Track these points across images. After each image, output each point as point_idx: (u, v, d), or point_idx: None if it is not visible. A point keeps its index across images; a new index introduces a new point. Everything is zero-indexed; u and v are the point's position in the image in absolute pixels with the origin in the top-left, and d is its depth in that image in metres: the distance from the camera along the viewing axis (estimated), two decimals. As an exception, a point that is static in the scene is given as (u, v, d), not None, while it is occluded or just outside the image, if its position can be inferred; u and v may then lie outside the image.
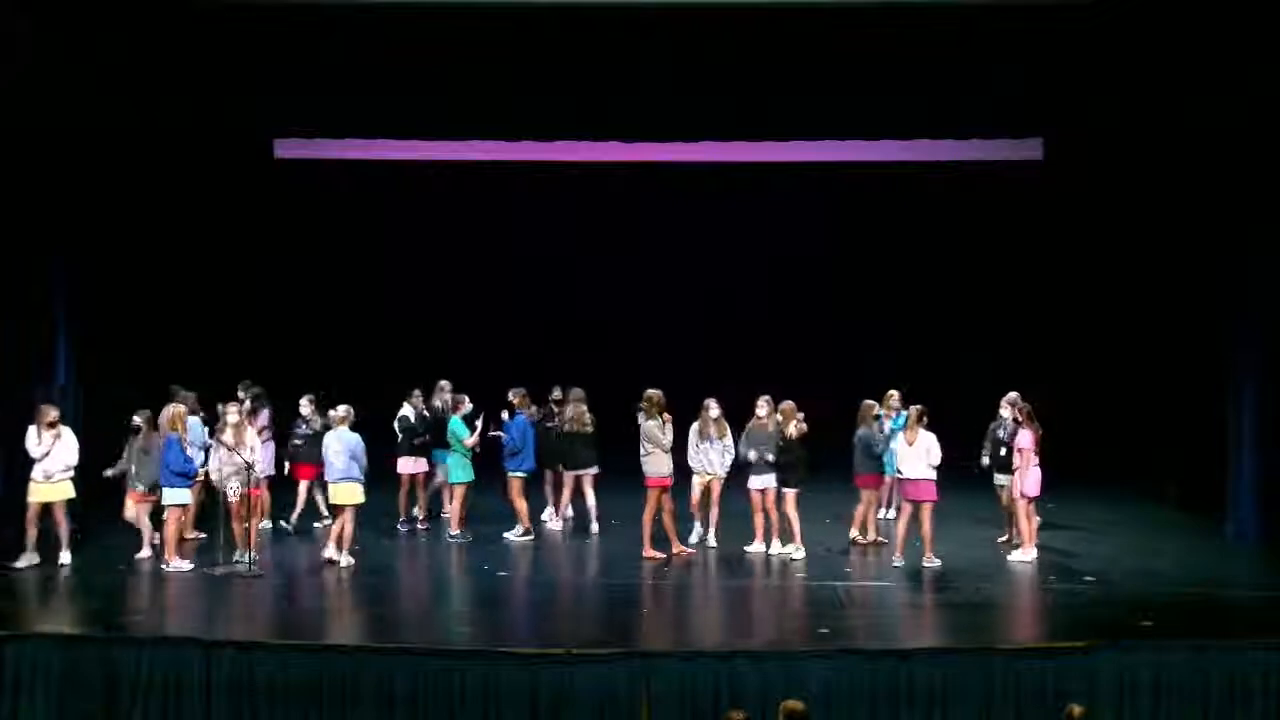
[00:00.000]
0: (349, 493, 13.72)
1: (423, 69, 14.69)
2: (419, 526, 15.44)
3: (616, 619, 12.24)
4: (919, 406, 13.72)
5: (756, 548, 14.24)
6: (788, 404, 14.14)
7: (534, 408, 15.40)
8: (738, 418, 14.41)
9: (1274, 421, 14.54)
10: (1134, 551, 14.35)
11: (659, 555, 14.00)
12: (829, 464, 14.83)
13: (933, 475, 13.54)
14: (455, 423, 14.91)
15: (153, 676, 10.66)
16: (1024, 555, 13.85)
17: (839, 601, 12.56)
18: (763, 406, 14.17)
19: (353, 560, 13.74)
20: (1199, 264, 16.03)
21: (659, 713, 10.39)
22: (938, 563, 13.53)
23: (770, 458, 14.01)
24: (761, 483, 14.11)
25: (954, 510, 15.29)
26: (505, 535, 14.91)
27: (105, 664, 10.72)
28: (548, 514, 15.81)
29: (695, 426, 14.31)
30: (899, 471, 14.00)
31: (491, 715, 10.47)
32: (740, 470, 14.33)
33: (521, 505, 14.85)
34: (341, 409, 13.96)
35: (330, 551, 13.71)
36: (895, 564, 13.61)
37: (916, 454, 13.51)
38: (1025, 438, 13.79)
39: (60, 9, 14.17)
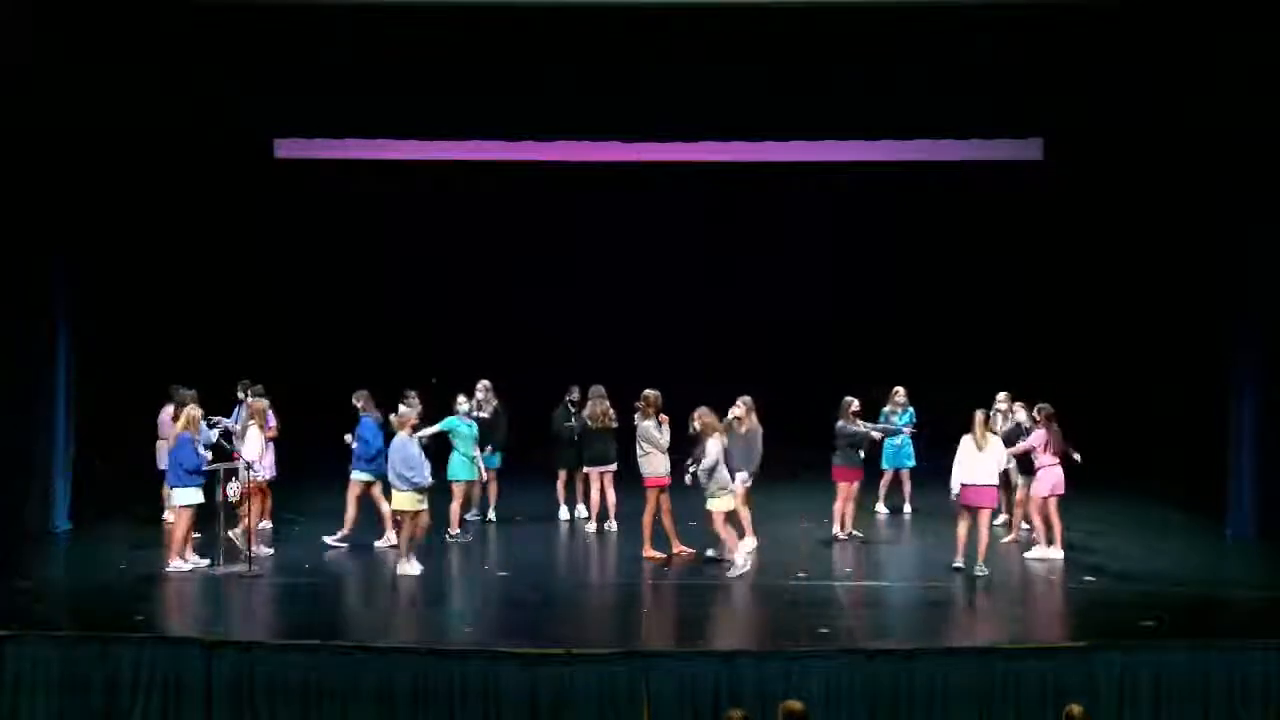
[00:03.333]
0: (396, 500, 13.48)
1: (422, 69, 14.68)
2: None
3: (616, 619, 12.25)
4: (985, 411, 13.65)
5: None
6: (746, 399, 14.19)
7: (376, 411, 14.61)
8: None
9: (1274, 421, 14.55)
10: (1134, 551, 14.36)
11: (659, 555, 14.00)
12: (824, 463, 14.87)
13: (995, 482, 13.46)
14: (451, 422, 14.88)
15: (153, 676, 10.64)
16: (1043, 554, 13.89)
17: (839, 601, 12.56)
18: (739, 407, 14.19)
19: (417, 569, 13.42)
20: (1199, 264, 16.04)
21: (659, 713, 10.39)
22: (987, 571, 13.39)
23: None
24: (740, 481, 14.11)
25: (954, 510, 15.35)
26: (324, 539, 14.50)
27: (105, 664, 10.70)
28: (565, 512, 15.84)
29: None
30: (962, 476, 13.38)
31: (491, 715, 10.46)
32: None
33: (353, 512, 14.35)
34: (400, 412, 13.72)
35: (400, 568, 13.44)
36: (955, 566, 13.46)
37: (987, 460, 13.30)
38: (1038, 437, 13.89)
39: (60, 9, 14.17)
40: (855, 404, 14.80)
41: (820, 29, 14.17)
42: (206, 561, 13.58)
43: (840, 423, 14.65)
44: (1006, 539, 14.63)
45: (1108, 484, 16.84)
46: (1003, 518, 14.91)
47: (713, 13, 14.00)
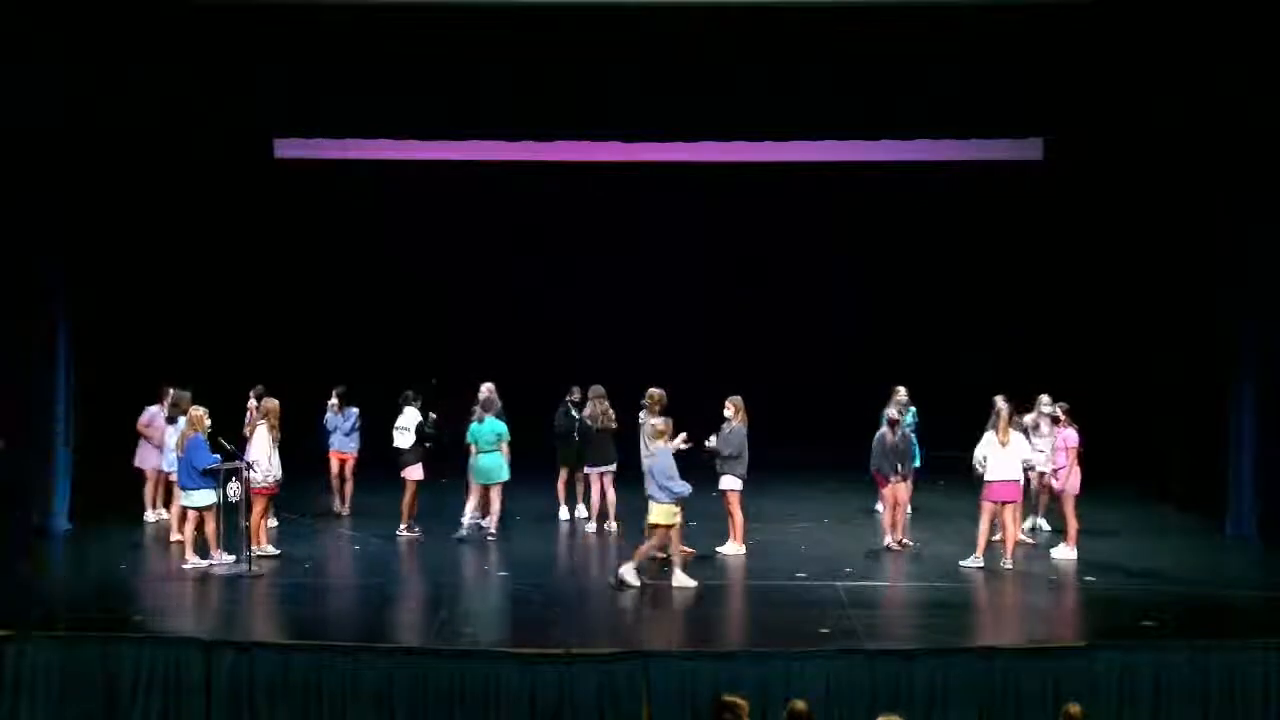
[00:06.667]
0: (654, 513, 13.06)
1: (423, 69, 14.69)
2: (415, 530, 15.32)
3: (616, 619, 12.25)
4: (1008, 407, 13.71)
5: (734, 549, 14.25)
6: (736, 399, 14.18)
7: None
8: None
9: (1274, 421, 14.55)
10: (1134, 551, 14.36)
11: (659, 555, 13.98)
12: (824, 463, 14.86)
13: (1020, 477, 13.56)
14: (493, 423, 14.91)
15: (153, 676, 10.64)
16: (1069, 552, 13.93)
17: (839, 601, 12.56)
18: (729, 407, 14.18)
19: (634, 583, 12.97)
20: (1199, 264, 16.03)
21: (659, 713, 10.39)
22: (1011, 564, 13.55)
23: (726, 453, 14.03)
24: (729, 484, 14.12)
25: (953, 510, 15.36)
26: None
27: (105, 664, 10.70)
28: (565, 512, 15.84)
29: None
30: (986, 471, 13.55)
31: (491, 715, 10.45)
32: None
33: None
34: (659, 422, 13.47)
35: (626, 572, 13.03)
36: (974, 564, 13.53)
37: (1011, 455, 13.44)
38: (1072, 437, 13.97)
39: (60, 9, 14.17)
40: (903, 407, 14.70)
41: (821, 29, 14.18)
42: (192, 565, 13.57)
43: (884, 430, 14.52)
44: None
45: (1107, 483, 16.84)
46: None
47: (714, 13, 14.01)
